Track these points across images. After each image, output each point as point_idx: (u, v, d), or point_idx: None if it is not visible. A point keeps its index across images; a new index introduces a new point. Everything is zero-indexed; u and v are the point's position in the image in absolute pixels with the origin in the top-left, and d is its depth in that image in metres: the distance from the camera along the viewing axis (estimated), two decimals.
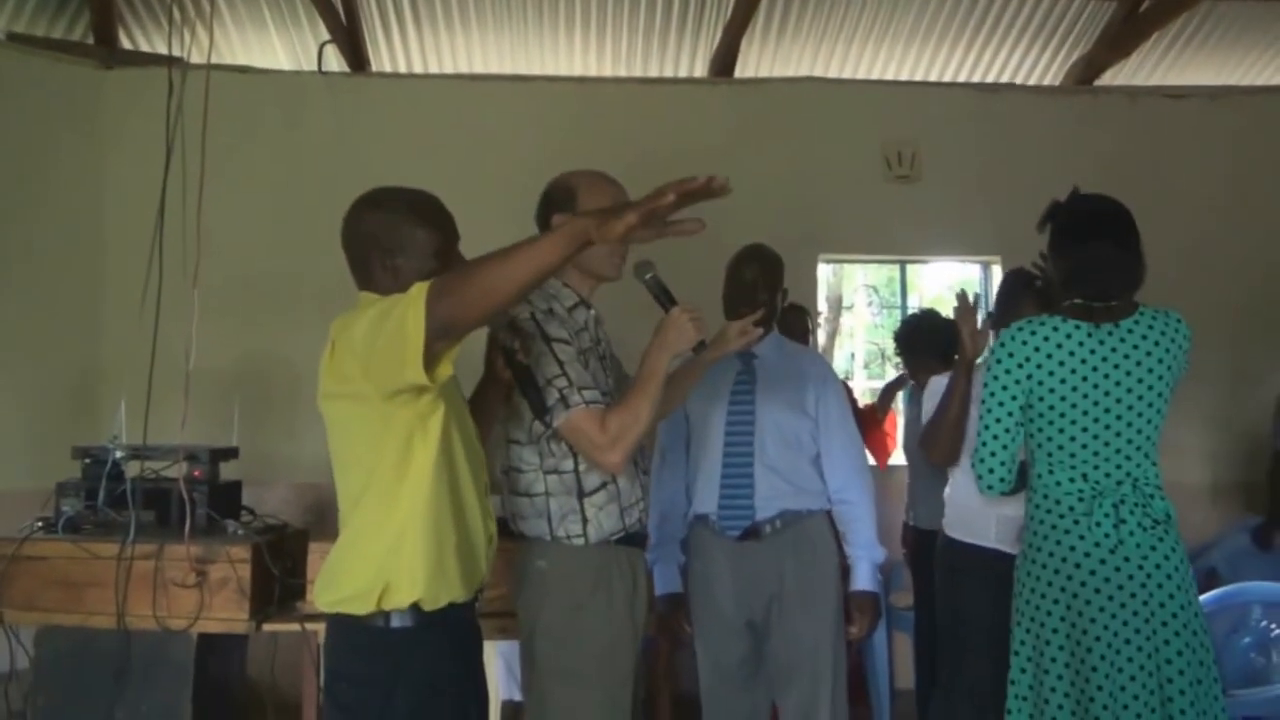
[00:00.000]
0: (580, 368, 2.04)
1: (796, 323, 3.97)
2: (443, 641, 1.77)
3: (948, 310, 4.58)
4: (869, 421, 4.56)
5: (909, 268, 5.51)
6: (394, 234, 1.79)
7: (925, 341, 3.82)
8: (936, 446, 2.76)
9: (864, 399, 5.25)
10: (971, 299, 2.77)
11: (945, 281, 5.95)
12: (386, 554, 1.73)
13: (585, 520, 2.07)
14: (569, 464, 2.07)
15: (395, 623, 1.74)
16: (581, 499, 2.07)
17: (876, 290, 5.95)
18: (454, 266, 1.82)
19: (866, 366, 6.22)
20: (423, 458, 1.72)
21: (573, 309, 2.15)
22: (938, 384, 2.86)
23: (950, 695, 2.79)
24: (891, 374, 5.66)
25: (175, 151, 2.63)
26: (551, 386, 2.00)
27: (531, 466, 2.09)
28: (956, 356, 3.79)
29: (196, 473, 2.84)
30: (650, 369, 2.02)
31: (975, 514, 2.66)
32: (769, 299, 2.71)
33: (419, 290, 1.56)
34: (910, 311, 4.77)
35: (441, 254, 1.81)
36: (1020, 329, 2.17)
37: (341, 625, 1.78)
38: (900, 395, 4.61)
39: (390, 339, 1.59)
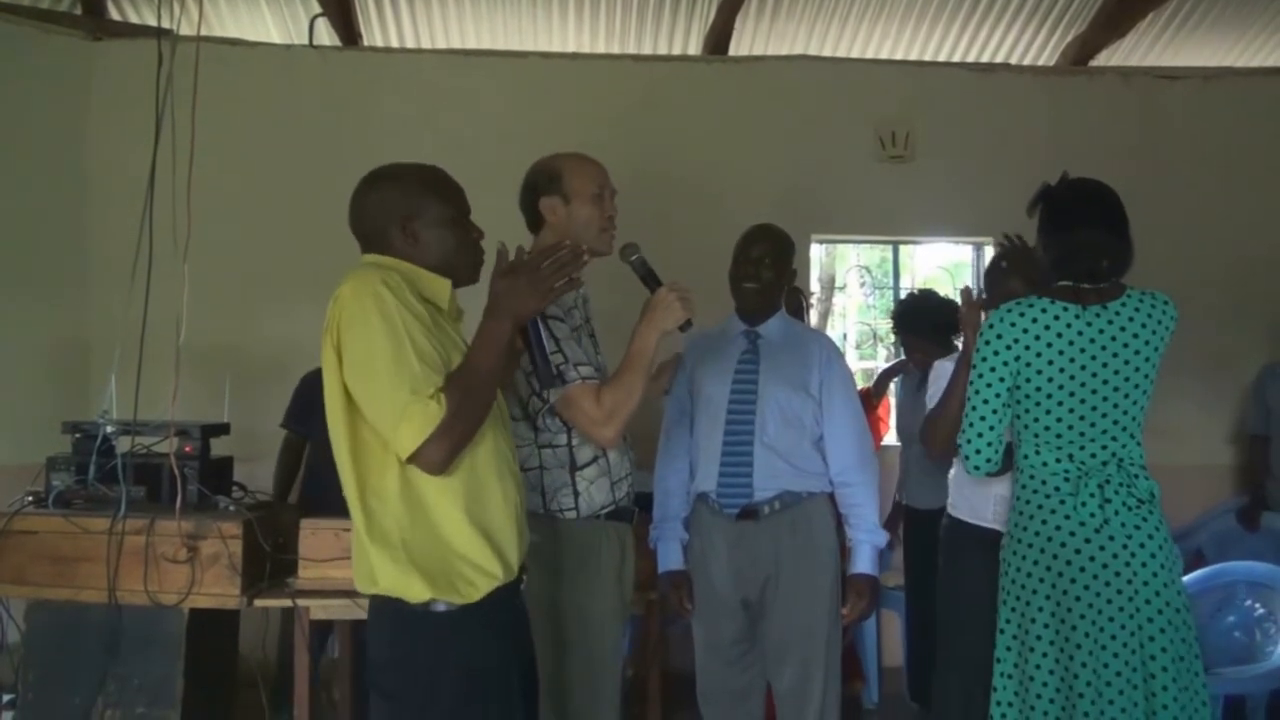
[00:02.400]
0: (574, 344, 2.07)
1: (789, 303, 3.96)
2: (482, 626, 1.69)
3: (944, 290, 4.60)
4: (863, 405, 4.55)
5: (902, 248, 5.49)
6: (409, 201, 1.77)
7: (922, 322, 3.80)
8: (936, 440, 2.63)
9: (857, 381, 5.25)
10: (976, 295, 2.71)
11: (938, 262, 5.95)
12: (401, 547, 1.66)
13: (577, 494, 2.11)
14: (563, 438, 2.10)
15: (436, 608, 1.67)
16: (574, 473, 2.10)
17: (869, 271, 5.93)
18: (469, 236, 1.82)
19: (858, 347, 6.21)
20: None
21: None
22: (943, 368, 2.77)
23: (948, 672, 2.75)
24: (883, 355, 5.67)
25: (165, 124, 2.61)
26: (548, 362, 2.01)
27: (526, 441, 2.11)
28: (954, 338, 3.83)
29: (187, 448, 2.84)
30: (640, 346, 2.04)
31: (976, 493, 2.63)
32: (774, 277, 2.68)
33: (407, 434, 1.61)
34: (904, 292, 4.77)
35: (455, 224, 1.81)
36: (1009, 310, 2.17)
37: (384, 610, 1.71)
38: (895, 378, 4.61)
39: (375, 420, 1.65)
